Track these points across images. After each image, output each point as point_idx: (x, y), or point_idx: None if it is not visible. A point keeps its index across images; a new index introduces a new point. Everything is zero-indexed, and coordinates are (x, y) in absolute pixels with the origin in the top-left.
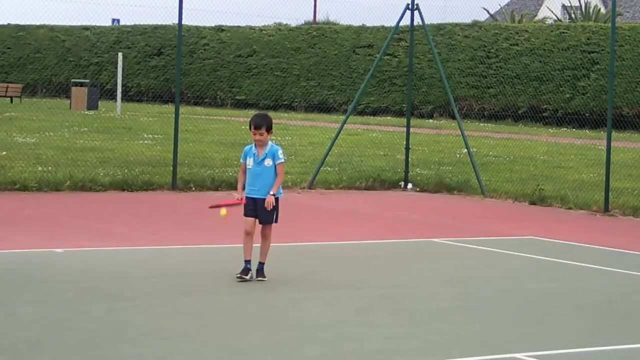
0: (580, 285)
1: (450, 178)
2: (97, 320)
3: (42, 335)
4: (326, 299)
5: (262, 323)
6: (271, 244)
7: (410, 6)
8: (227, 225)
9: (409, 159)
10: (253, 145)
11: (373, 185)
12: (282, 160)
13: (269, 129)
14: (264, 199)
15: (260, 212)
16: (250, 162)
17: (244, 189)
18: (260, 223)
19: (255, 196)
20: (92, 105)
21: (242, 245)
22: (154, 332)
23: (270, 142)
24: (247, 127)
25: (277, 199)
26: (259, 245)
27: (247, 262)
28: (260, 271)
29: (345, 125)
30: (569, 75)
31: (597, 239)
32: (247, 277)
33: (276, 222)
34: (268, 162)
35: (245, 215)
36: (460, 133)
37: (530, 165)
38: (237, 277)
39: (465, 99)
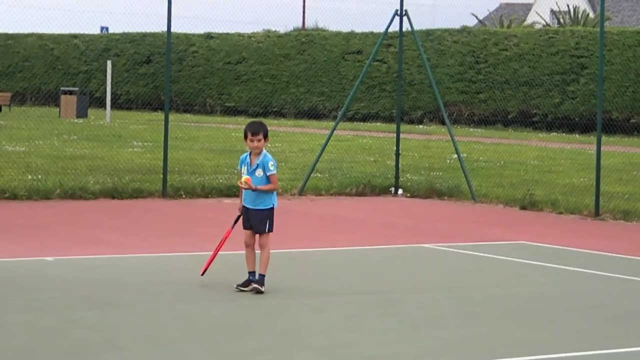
0: (571, 289)
1: (441, 183)
2: (88, 328)
3: (32, 343)
4: (317, 305)
5: (253, 329)
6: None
7: (399, 12)
8: (218, 232)
9: (399, 165)
10: (248, 153)
11: (363, 191)
12: (274, 172)
13: (265, 136)
14: (256, 209)
15: (253, 221)
16: (244, 170)
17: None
18: (254, 232)
19: (247, 205)
20: (81, 114)
21: (232, 253)
22: (145, 339)
23: (264, 152)
24: (237, 134)
25: (272, 209)
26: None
27: (251, 273)
28: (258, 282)
29: (335, 131)
30: (558, 80)
31: (588, 243)
32: (247, 289)
33: (270, 231)
34: (259, 172)
35: (243, 227)
36: (450, 138)
37: (521, 170)
38: (236, 288)
39: (455, 105)
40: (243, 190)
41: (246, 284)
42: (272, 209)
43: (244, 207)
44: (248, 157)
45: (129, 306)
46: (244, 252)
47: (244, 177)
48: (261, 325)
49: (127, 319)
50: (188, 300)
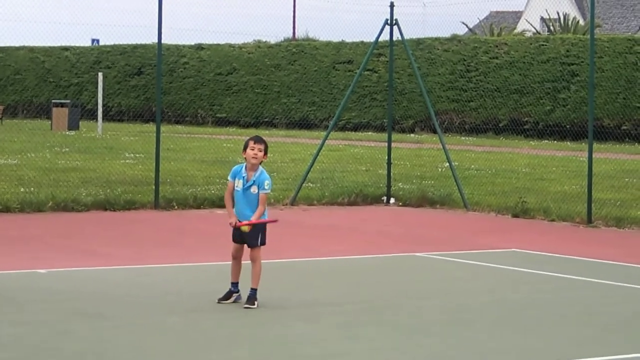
0: (563, 296)
1: (433, 192)
2: (81, 340)
3: (25, 356)
4: (310, 315)
5: (245, 340)
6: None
7: (389, 21)
8: (210, 243)
9: (391, 174)
10: (244, 166)
11: (355, 201)
12: (267, 191)
13: (265, 151)
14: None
15: (245, 235)
16: (239, 184)
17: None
18: (248, 246)
19: (240, 219)
20: (73, 126)
21: (224, 263)
22: (138, 351)
23: (261, 168)
24: (229, 145)
25: (262, 224)
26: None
27: (233, 284)
28: (250, 298)
29: (326, 141)
30: (549, 88)
31: (581, 250)
32: (229, 301)
33: (263, 244)
34: (254, 189)
35: (233, 240)
36: (441, 147)
37: (513, 178)
38: (218, 302)
39: (446, 113)
40: (235, 204)
41: (228, 296)
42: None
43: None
44: (244, 169)
45: (120, 318)
46: (231, 264)
47: (243, 226)
48: (253, 335)
49: (119, 331)
50: (180, 311)
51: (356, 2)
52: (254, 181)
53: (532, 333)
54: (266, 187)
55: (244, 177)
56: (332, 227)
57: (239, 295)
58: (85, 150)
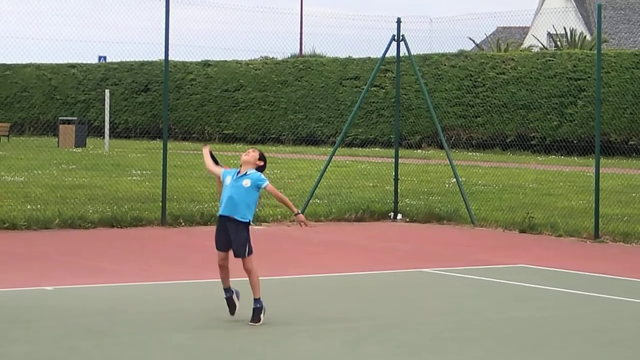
0: (571, 312)
1: (440, 208)
2: (88, 357)
3: None
4: (316, 332)
5: (251, 357)
6: (260, 277)
7: (396, 37)
8: (217, 260)
9: (398, 190)
10: (237, 170)
11: (362, 217)
12: (266, 182)
13: (262, 158)
14: (236, 221)
15: (233, 240)
16: (228, 180)
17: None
18: (235, 256)
19: (225, 214)
20: (80, 143)
21: (231, 280)
22: None
23: (253, 170)
24: (236, 162)
25: (247, 229)
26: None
27: (226, 290)
28: (255, 313)
29: (333, 157)
30: (556, 103)
31: (588, 265)
32: (238, 307)
33: (250, 253)
34: (246, 182)
35: (217, 248)
36: (448, 163)
37: (520, 194)
38: (232, 315)
39: (453, 129)
40: (221, 197)
41: (231, 304)
42: (247, 229)
43: (221, 216)
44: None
45: (127, 335)
46: (220, 273)
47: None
48: (260, 352)
49: (125, 347)
50: (186, 328)
51: (363, 19)
52: (246, 174)
53: (539, 349)
54: (264, 179)
55: (235, 172)
56: (339, 243)
57: (236, 291)
58: (92, 167)
